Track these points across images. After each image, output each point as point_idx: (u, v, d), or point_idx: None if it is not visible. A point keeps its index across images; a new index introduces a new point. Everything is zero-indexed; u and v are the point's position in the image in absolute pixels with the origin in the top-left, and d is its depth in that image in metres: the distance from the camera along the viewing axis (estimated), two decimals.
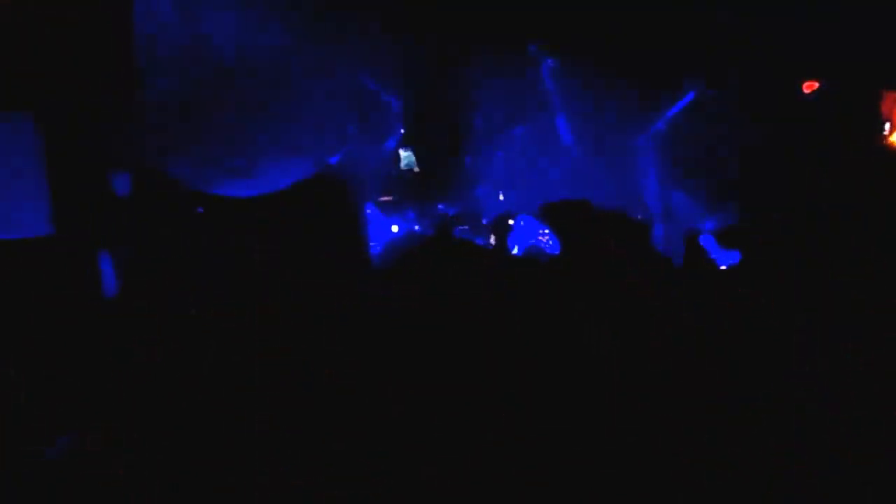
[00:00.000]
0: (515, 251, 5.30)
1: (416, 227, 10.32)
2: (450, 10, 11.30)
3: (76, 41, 5.73)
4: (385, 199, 10.82)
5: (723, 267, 4.51)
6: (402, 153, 11.43)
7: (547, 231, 3.91)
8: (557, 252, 3.90)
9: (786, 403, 3.92)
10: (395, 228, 10.26)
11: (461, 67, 11.55)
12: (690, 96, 10.92)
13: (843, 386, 3.99)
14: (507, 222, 4.96)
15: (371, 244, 9.31)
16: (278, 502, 3.85)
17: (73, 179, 7.00)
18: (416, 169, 11.38)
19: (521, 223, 4.64)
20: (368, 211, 9.94)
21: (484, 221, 9.68)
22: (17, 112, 6.47)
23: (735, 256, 4.47)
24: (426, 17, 11.21)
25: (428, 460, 3.64)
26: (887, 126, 9.49)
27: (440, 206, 10.59)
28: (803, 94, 10.17)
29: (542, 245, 4.37)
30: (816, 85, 10.19)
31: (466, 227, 9.27)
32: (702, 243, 4.63)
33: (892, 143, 9.41)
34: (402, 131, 11.39)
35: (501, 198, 10.87)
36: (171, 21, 9.70)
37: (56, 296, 5.78)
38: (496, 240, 5.47)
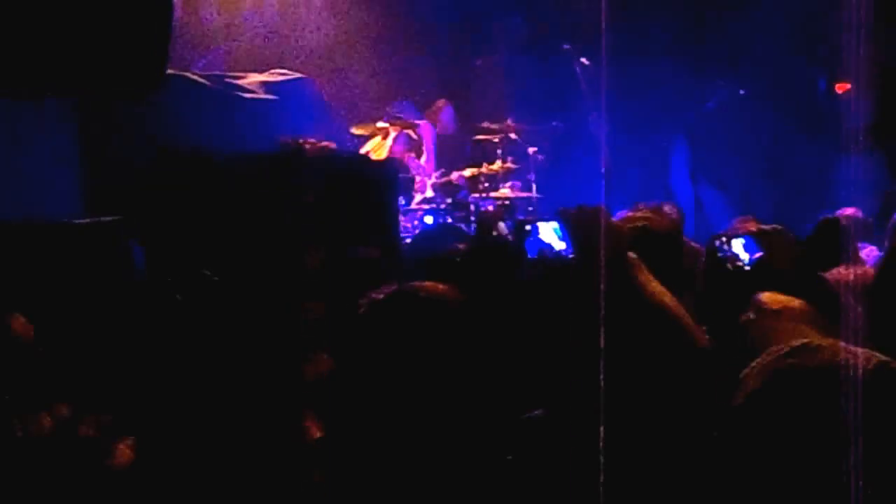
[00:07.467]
0: (531, 254, 5.35)
1: (449, 220, 10.40)
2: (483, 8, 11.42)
3: (110, 28, 5.85)
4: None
5: (747, 267, 4.50)
6: None
7: (563, 236, 3.96)
8: (570, 257, 3.95)
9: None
10: (428, 220, 10.35)
11: (494, 62, 11.65)
12: (722, 95, 10.93)
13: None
14: (525, 227, 5.00)
15: (403, 235, 9.42)
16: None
17: (106, 163, 7.17)
18: None
19: (539, 227, 4.68)
20: (402, 202, 10.05)
21: (519, 217, 9.72)
22: (53, 98, 6.62)
23: (756, 252, 4.47)
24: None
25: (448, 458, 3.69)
26: None
27: (471, 200, 10.67)
28: (836, 95, 10.17)
29: (557, 249, 4.41)
30: (849, 87, 10.17)
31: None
32: (731, 244, 4.62)
33: None
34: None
35: (535, 193, 10.93)
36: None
37: (86, 277, 5.88)
38: (515, 243, 5.52)
